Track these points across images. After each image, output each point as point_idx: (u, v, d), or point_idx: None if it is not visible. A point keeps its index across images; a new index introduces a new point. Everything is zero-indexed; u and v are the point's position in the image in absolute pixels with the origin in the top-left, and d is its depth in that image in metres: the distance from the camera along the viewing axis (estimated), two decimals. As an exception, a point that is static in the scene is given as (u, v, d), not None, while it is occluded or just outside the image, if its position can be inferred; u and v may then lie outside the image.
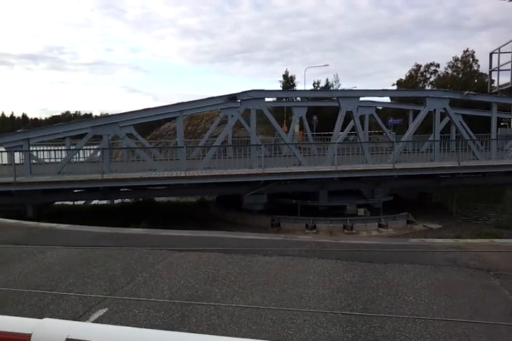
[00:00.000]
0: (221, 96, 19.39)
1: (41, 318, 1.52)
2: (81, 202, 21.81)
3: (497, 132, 24.20)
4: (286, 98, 32.06)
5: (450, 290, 5.65)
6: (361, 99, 20.24)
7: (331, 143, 19.61)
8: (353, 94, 20.01)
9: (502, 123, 25.57)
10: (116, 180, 16.38)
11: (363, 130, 20.30)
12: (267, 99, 20.54)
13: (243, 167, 17.84)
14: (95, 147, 22.14)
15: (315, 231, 17.53)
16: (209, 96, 20.12)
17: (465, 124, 22.38)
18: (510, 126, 26.47)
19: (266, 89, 20.06)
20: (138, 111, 19.76)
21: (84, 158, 21.37)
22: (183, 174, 16.59)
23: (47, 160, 19.19)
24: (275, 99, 29.18)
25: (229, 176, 17.10)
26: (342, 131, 23.46)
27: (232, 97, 19.06)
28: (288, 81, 55.27)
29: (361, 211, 18.69)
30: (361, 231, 17.59)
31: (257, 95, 18.65)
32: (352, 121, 21.53)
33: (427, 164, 19.40)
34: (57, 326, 1.43)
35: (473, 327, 4.56)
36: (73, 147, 20.98)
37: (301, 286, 5.79)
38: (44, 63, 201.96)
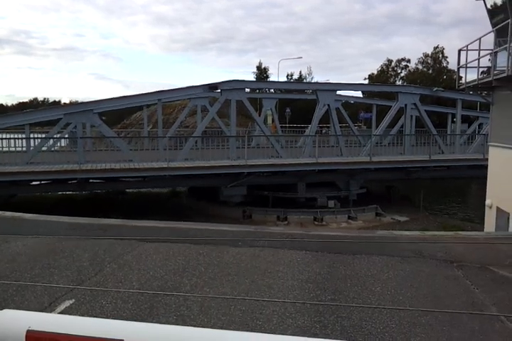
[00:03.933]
0: (201, 86, 19.18)
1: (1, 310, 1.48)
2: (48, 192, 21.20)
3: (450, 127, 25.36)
4: (259, 89, 32.00)
5: (415, 281, 5.80)
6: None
7: (311, 136, 19.82)
8: (331, 87, 20.18)
9: (454, 119, 26.55)
10: (95, 171, 15.87)
11: (334, 123, 20.48)
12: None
13: (221, 158, 17.78)
14: (58, 135, 21.13)
15: (286, 222, 17.69)
16: (180, 85, 19.98)
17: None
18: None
19: (246, 79, 20.02)
20: (115, 98, 19.30)
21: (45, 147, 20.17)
22: (165, 165, 16.29)
23: (11, 149, 18.29)
24: (249, 90, 29.13)
25: (213, 168, 16.98)
26: (309, 123, 23.60)
27: (212, 87, 18.81)
28: (261, 72, 55.16)
29: (331, 203, 18.96)
30: (331, 223, 17.86)
31: (238, 85, 18.53)
32: (319, 113, 21.64)
33: (401, 157, 19.92)
34: (17, 317, 1.39)
35: (436, 317, 4.70)
36: (43, 135, 20.28)
37: (271, 277, 5.83)
38: (10, 47, 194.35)
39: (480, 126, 25.54)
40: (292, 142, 23.32)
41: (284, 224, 17.24)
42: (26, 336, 1.30)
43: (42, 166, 15.66)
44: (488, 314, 4.75)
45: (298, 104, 42.74)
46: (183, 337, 1.23)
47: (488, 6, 11.24)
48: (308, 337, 1.61)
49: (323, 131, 30.71)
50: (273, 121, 30.43)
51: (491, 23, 11.24)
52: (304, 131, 29.26)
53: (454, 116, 26.48)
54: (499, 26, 10.42)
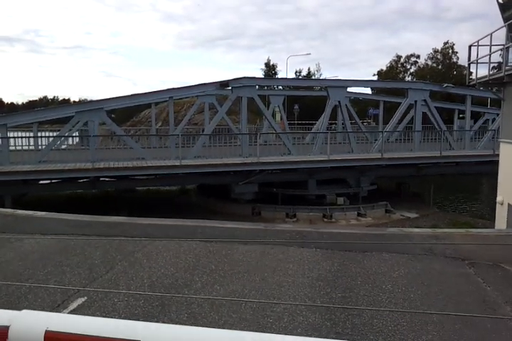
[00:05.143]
0: (213, 83, 19.14)
1: (19, 308, 1.50)
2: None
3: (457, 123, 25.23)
4: (267, 86, 31.96)
5: (426, 279, 5.77)
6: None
7: (323, 133, 19.79)
8: (342, 84, 20.08)
9: (461, 115, 26.39)
10: (108, 169, 15.83)
11: (343, 120, 20.42)
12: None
13: (231, 156, 17.77)
14: (68, 134, 21.09)
15: (295, 219, 17.68)
16: (189, 82, 20.12)
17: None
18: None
19: (257, 76, 19.94)
20: (126, 96, 19.31)
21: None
22: (177, 163, 16.28)
23: (19, 147, 18.36)
24: (257, 87, 29.11)
25: (225, 165, 16.96)
26: (316, 120, 23.47)
27: (224, 84, 18.74)
28: (270, 69, 55.09)
29: (341, 200, 18.91)
30: (340, 219, 17.81)
31: (249, 82, 18.44)
32: (329, 110, 21.57)
33: (413, 153, 19.84)
34: (36, 318, 1.41)
35: (448, 315, 4.67)
36: (52, 133, 20.38)
37: (281, 275, 5.84)
38: (20, 46, 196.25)
39: (485, 122, 25.27)
40: (300, 139, 23.30)
41: (292, 221, 17.23)
42: (45, 337, 1.32)
43: (54, 165, 15.67)
44: (508, 317, 4.70)
45: (306, 100, 42.65)
46: (199, 338, 1.24)
47: (500, 0, 11.10)
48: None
49: (332, 128, 30.66)
50: (281, 118, 30.40)
51: (502, 17, 11.10)
52: (312, 128, 29.20)
53: (460, 112, 26.34)
54: (511, 21, 10.29)
